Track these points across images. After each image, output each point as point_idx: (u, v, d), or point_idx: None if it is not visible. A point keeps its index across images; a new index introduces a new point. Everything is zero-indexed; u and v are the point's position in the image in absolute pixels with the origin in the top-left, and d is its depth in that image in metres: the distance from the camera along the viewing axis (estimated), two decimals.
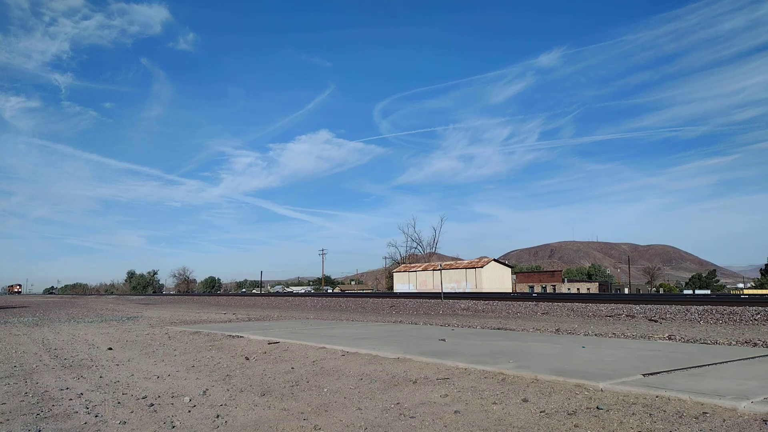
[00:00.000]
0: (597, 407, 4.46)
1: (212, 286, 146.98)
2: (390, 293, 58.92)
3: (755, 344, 9.64)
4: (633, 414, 4.24)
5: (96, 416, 4.72)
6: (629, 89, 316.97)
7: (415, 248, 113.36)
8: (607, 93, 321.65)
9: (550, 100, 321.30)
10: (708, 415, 4.12)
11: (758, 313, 16.52)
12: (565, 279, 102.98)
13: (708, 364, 6.52)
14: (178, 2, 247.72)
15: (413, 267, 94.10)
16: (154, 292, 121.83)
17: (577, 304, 23.07)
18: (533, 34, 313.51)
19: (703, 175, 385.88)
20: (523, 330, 12.93)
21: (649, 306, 20.77)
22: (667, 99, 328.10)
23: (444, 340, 10.00)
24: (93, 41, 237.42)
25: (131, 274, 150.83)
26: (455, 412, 4.54)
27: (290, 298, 43.80)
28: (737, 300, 23.59)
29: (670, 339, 10.80)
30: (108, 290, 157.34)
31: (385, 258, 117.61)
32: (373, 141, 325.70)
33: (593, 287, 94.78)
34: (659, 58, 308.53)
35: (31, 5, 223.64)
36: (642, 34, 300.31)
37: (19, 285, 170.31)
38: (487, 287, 77.83)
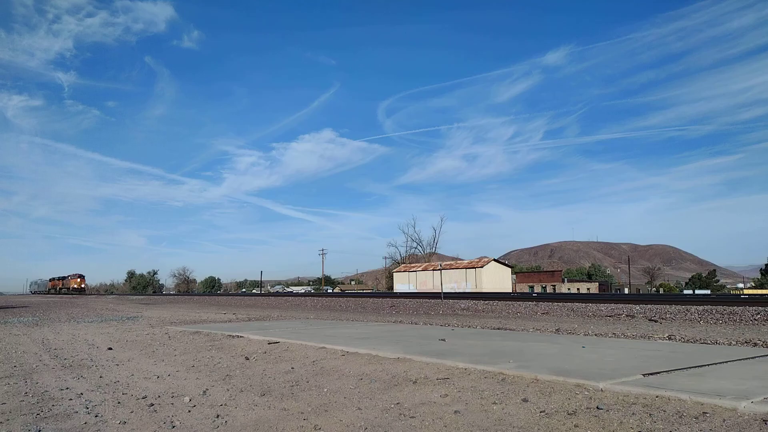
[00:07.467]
0: (597, 407, 4.46)
1: (212, 286, 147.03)
2: (390, 293, 58.89)
3: (755, 344, 9.64)
4: (633, 414, 4.24)
5: (96, 416, 4.72)
6: (635, 88, 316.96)
7: (415, 248, 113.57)
8: (612, 92, 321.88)
9: (556, 99, 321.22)
10: (708, 415, 4.12)
11: (758, 313, 16.51)
12: (565, 279, 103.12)
13: (708, 364, 6.51)
14: (183, 0, 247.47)
15: (413, 267, 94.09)
16: (154, 292, 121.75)
17: (577, 304, 23.06)
18: (540, 33, 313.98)
19: (707, 174, 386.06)
20: (523, 330, 12.93)
21: (649, 306, 20.76)
22: (672, 98, 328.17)
23: (444, 340, 10.00)
24: (97, 39, 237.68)
25: (131, 274, 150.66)
26: (455, 412, 4.54)
27: (290, 298, 43.77)
28: (737, 300, 23.58)
29: (670, 339, 10.80)
30: (108, 290, 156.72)
31: (385, 258, 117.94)
32: (376, 140, 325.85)
33: (593, 287, 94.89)
34: (665, 57, 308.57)
35: (35, 2, 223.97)
36: (648, 33, 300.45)
37: (81, 276, 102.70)
38: (487, 287, 77.83)
